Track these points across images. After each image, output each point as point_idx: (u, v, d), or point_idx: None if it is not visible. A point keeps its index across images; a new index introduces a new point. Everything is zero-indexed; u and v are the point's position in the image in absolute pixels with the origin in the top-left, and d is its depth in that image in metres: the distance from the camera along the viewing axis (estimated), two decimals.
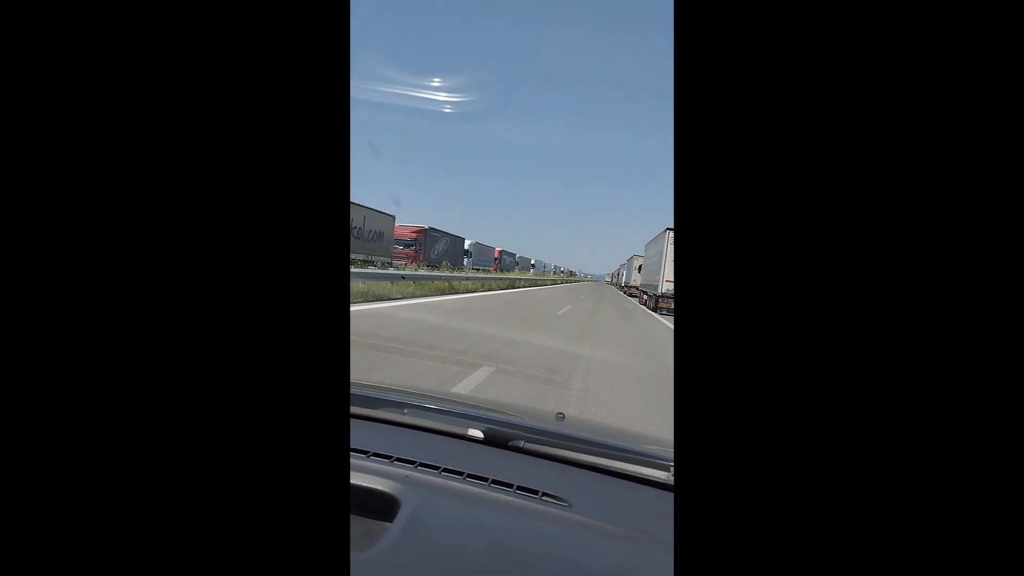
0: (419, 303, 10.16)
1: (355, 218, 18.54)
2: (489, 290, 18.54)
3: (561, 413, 1.14)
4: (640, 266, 26.09)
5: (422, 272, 16.15)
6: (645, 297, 20.00)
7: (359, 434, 0.88)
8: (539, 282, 35.22)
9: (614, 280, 64.93)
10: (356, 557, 0.54)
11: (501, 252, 42.66)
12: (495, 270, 39.54)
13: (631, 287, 30.15)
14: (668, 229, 15.97)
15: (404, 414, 1.03)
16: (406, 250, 24.74)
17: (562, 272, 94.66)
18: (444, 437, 0.95)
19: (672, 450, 0.89)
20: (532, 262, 60.02)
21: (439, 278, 15.17)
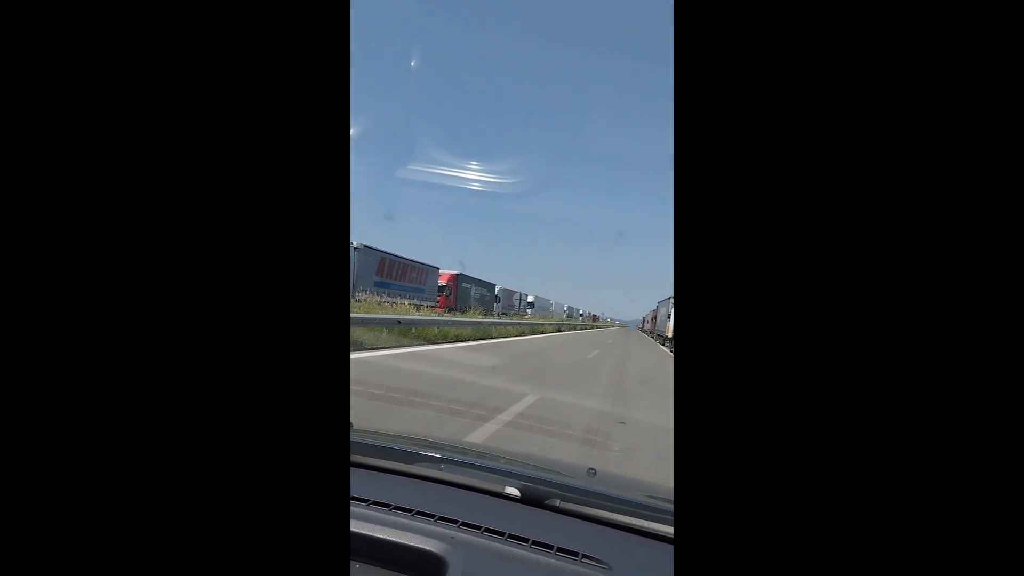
0: None
1: None
2: None
3: (592, 469, 1.16)
4: None
5: None
6: None
7: (401, 490, 0.91)
8: (458, 335, 16.96)
9: (647, 326, 47.36)
10: None
11: (456, 277, 25.35)
12: (443, 305, 22.39)
13: None
14: None
15: (441, 469, 1.04)
16: None
17: (581, 316, 76.59)
18: (482, 495, 0.97)
19: None
20: (530, 299, 42.68)
21: None
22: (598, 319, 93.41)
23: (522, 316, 34.77)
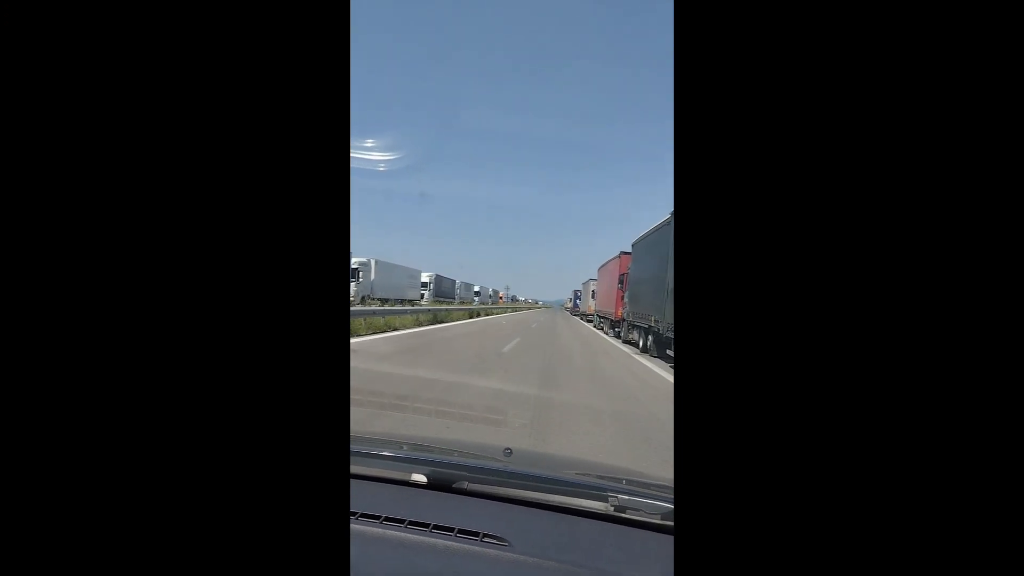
0: None
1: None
2: None
3: (509, 448, 1.15)
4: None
5: None
6: None
7: None
8: None
9: (574, 306, 24.69)
10: None
11: None
12: None
13: None
14: None
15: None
16: None
17: (478, 299, 50.80)
18: (388, 484, 0.97)
19: (616, 480, 1.03)
20: (357, 264, 16.79)
21: None
22: (503, 297, 68.56)
23: None
